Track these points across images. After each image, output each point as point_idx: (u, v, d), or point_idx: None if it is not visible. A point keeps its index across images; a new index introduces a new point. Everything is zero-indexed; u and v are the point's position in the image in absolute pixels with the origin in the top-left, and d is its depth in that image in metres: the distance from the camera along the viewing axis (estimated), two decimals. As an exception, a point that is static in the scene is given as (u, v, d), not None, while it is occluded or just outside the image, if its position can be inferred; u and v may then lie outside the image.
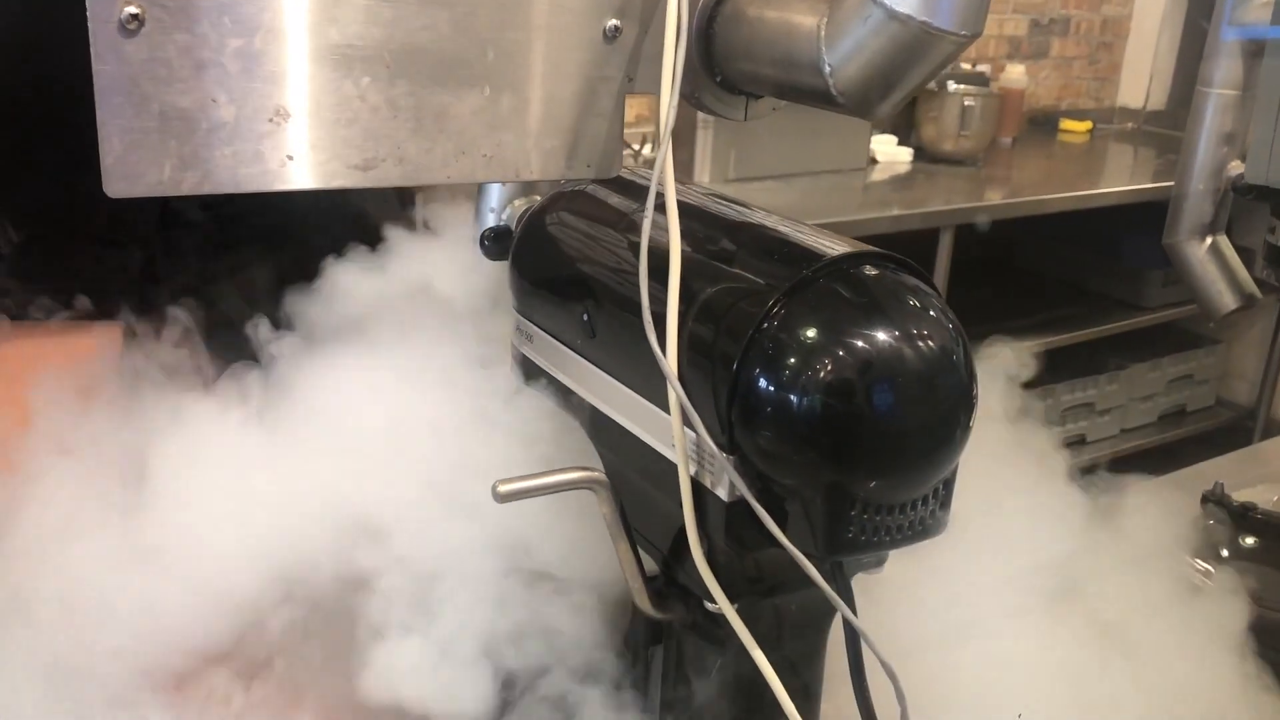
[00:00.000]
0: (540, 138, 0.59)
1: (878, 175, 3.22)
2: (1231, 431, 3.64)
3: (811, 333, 0.53)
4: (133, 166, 0.50)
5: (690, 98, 0.62)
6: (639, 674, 0.66)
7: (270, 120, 0.53)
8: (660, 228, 0.57)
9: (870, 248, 0.56)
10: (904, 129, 3.38)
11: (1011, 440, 1.01)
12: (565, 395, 0.69)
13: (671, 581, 0.64)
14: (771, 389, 0.53)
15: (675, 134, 0.55)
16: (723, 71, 0.61)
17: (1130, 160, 3.78)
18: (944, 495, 0.56)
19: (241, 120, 0.52)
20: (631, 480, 0.63)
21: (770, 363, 0.53)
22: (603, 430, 0.65)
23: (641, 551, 0.64)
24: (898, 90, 0.54)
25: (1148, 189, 3.24)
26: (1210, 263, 1.20)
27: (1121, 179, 3.48)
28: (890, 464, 0.53)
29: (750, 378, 0.54)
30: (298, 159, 0.54)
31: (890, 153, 3.21)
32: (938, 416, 0.54)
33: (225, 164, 0.52)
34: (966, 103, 3.26)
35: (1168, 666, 1.00)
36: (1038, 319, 3.21)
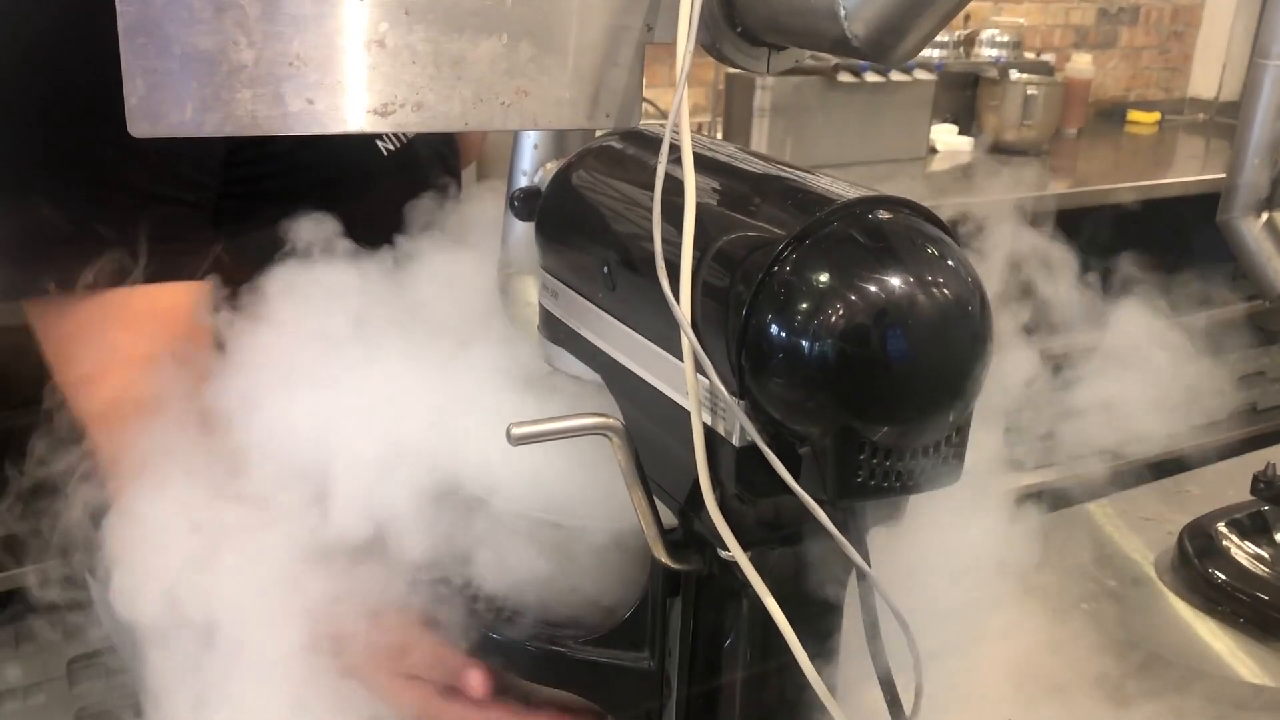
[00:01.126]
0: (558, 86, 0.59)
1: (938, 165, 3.19)
2: (1297, 432, 3.55)
3: (823, 277, 0.53)
4: (155, 106, 0.51)
5: (711, 49, 0.62)
6: (657, 625, 0.67)
7: (290, 64, 0.54)
8: (676, 177, 0.57)
9: (886, 193, 0.56)
10: (965, 118, 3.35)
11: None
12: (587, 349, 0.69)
13: (689, 532, 0.64)
14: (782, 334, 0.53)
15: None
16: (743, 22, 0.61)
17: (1200, 151, 3.70)
18: (957, 444, 0.55)
19: (262, 63, 0.53)
20: (649, 431, 0.64)
21: (781, 307, 0.53)
22: (621, 381, 0.66)
23: (659, 503, 0.65)
24: (914, 33, 0.54)
25: (1218, 179, 3.16)
26: (1266, 239, 1.17)
27: (1191, 170, 3.40)
28: (900, 409, 0.53)
29: (761, 323, 0.54)
30: (317, 102, 0.55)
31: (951, 142, 3.18)
32: (950, 363, 0.53)
33: (245, 106, 0.53)
34: (1029, 92, 3.21)
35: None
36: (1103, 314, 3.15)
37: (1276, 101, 1.14)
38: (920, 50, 0.56)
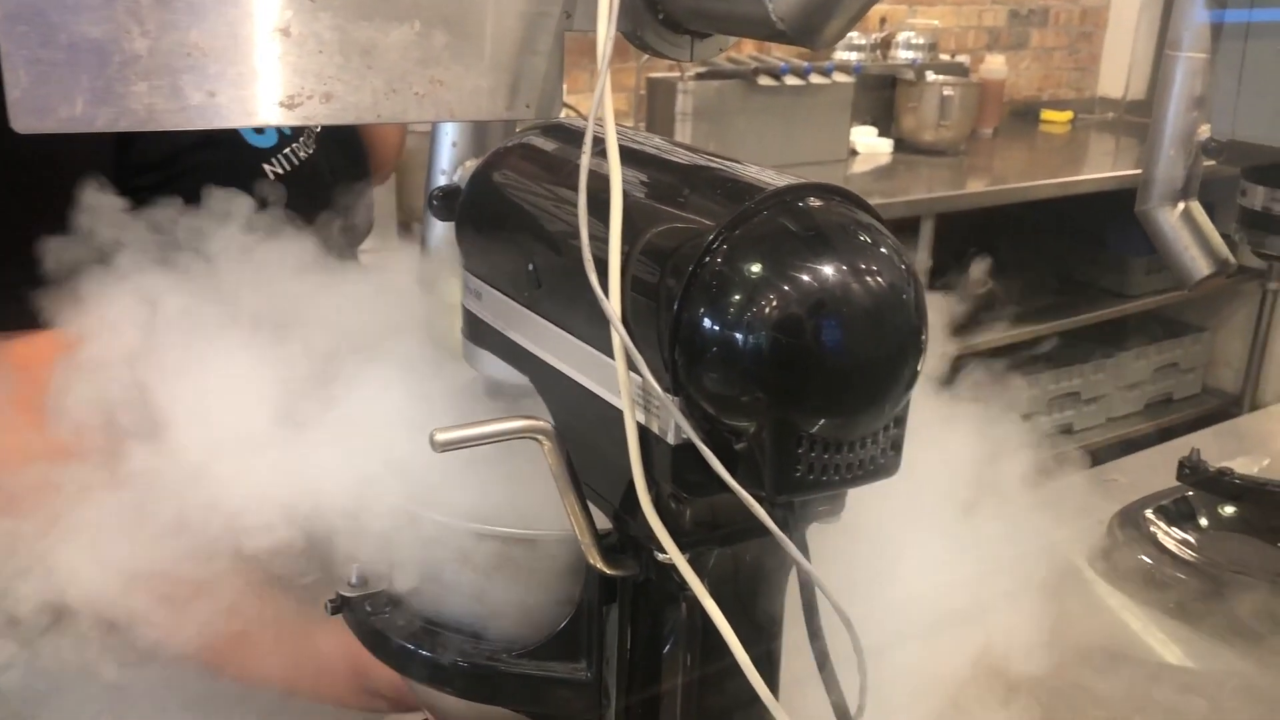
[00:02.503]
0: (475, 76, 0.57)
1: (859, 166, 3.22)
2: (1218, 418, 3.64)
3: (755, 267, 0.51)
4: (42, 100, 0.48)
5: (632, 37, 0.61)
6: (594, 634, 0.64)
7: (188, 55, 0.51)
8: (600, 170, 0.55)
9: (816, 180, 0.54)
10: (884, 121, 3.38)
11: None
12: (514, 351, 0.67)
13: (624, 536, 0.62)
14: (715, 327, 0.51)
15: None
16: (665, 8, 0.59)
17: (1112, 148, 3.79)
18: (895, 435, 0.54)
19: (158, 53, 0.50)
20: (580, 434, 0.61)
21: (713, 300, 0.51)
22: (550, 383, 0.63)
23: (595, 508, 0.62)
24: (839, 16, 0.53)
25: (1130, 175, 3.23)
26: (1183, 229, 1.19)
27: (1103, 167, 3.48)
28: (838, 400, 0.51)
29: (693, 316, 0.52)
30: (219, 95, 0.52)
31: (871, 144, 3.21)
32: (887, 352, 0.52)
33: (141, 99, 0.50)
34: (945, 93, 3.25)
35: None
36: (1023, 309, 3.20)
37: (1188, 93, 1.16)
38: (846, 34, 0.54)
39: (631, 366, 0.54)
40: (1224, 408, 3.72)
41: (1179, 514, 1.25)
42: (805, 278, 0.51)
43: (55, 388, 0.67)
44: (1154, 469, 1.43)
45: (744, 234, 0.52)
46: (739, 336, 0.51)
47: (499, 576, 0.66)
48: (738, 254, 0.52)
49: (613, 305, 0.54)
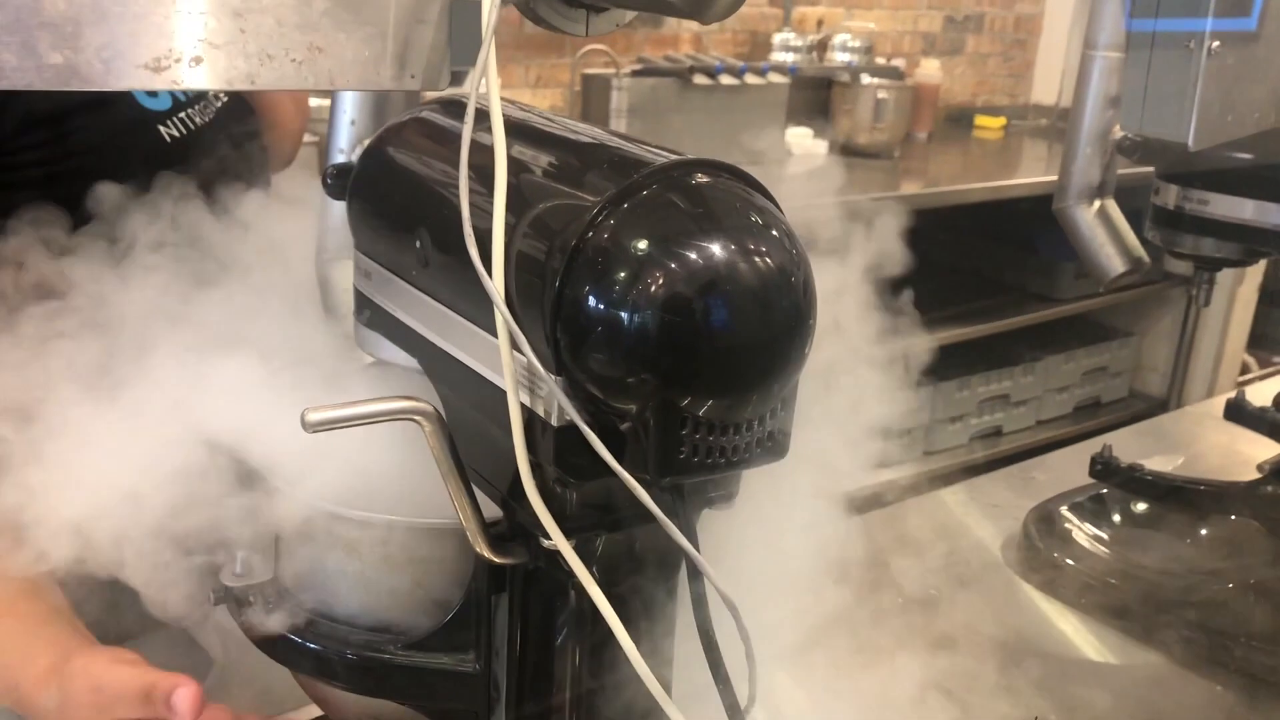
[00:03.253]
0: (357, 43, 0.55)
1: (794, 168, 3.22)
2: (1142, 422, 3.70)
3: (640, 244, 0.50)
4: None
5: (525, 9, 0.59)
6: (482, 624, 0.63)
7: (43, 9, 0.48)
8: (486, 144, 0.54)
9: (705, 157, 0.53)
10: (819, 122, 3.39)
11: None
12: (403, 333, 0.65)
13: (513, 523, 0.60)
14: (598, 305, 0.50)
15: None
16: (559, -20, 0.58)
17: (1044, 155, 3.83)
18: (782, 417, 0.53)
19: (10, 7, 0.47)
20: (468, 417, 0.60)
21: (596, 277, 0.50)
22: (439, 365, 0.61)
23: (482, 496, 0.61)
24: (730, -12, 0.51)
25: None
26: (1099, 227, 1.19)
27: (1036, 172, 3.52)
28: (723, 381, 0.50)
29: (576, 293, 0.50)
30: (79, 54, 0.49)
31: (806, 145, 3.22)
32: (774, 332, 0.50)
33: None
34: (880, 96, 3.27)
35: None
36: (953, 311, 3.23)
37: (1105, 92, 1.16)
38: (735, 9, 0.53)
39: (515, 346, 0.52)
40: (1150, 411, 3.77)
41: (1092, 511, 1.26)
42: (692, 255, 0.49)
43: None
44: (1076, 467, 1.44)
45: (629, 209, 0.51)
46: (623, 315, 0.49)
47: (384, 565, 0.64)
48: (623, 229, 0.50)
49: (495, 282, 0.52)
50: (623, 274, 0.49)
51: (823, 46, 3.41)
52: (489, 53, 0.52)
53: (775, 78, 3.08)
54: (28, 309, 0.66)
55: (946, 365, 3.29)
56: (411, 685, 0.65)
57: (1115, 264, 1.19)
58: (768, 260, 0.50)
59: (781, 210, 0.53)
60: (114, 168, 0.92)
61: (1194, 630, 1.10)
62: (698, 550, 0.54)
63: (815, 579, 0.85)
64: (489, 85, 0.53)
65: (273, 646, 0.67)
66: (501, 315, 0.52)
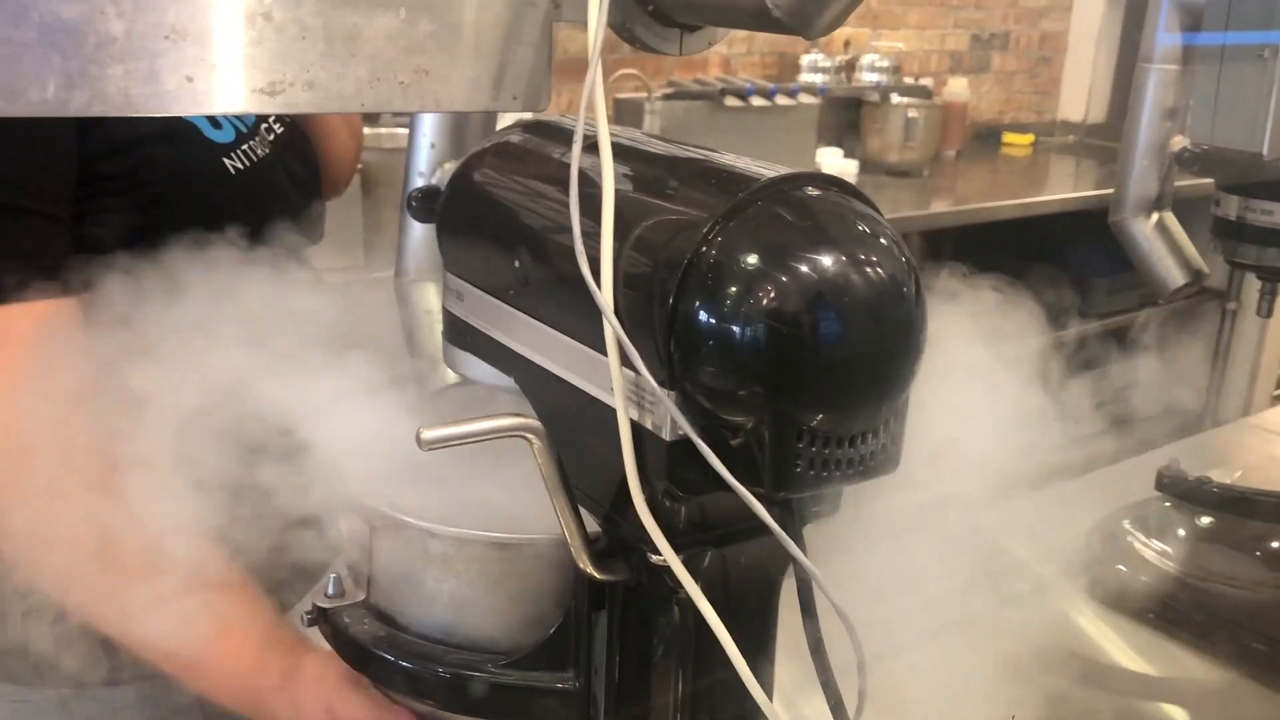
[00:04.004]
0: (462, 65, 0.55)
1: (825, 187, 3.21)
2: (1179, 436, 3.67)
3: (752, 258, 0.50)
4: (11, 82, 0.46)
5: (621, 29, 0.59)
6: (582, 642, 0.63)
7: (166, 38, 0.49)
8: (588, 164, 0.54)
9: (811, 171, 0.53)
10: (850, 142, 3.40)
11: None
12: (499, 352, 0.65)
13: (614, 539, 0.60)
14: (711, 319, 0.50)
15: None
16: (655, 1, 0.58)
17: (1072, 170, 3.83)
18: (895, 430, 0.53)
19: (134, 35, 0.48)
20: (568, 433, 0.60)
21: (709, 292, 0.50)
22: (537, 382, 0.62)
23: (583, 510, 0.61)
24: (834, 4, 0.52)
25: (1091, 196, 3.27)
26: (1157, 239, 1.19)
27: (1064, 188, 3.51)
28: (838, 393, 0.50)
29: (689, 309, 0.51)
30: (197, 80, 0.50)
31: (837, 165, 3.22)
32: (888, 343, 0.51)
33: (116, 83, 0.48)
34: (910, 115, 3.28)
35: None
36: (984, 328, 3.21)
37: (1160, 104, 1.16)
38: (842, 22, 0.53)
39: (626, 362, 0.53)
40: (1186, 425, 3.74)
41: (1156, 525, 1.25)
42: (803, 268, 0.50)
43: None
44: (1126, 482, 1.43)
45: (740, 224, 0.51)
46: (736, 329, 0.49)
47: (480, 583, 0.64)
48: (734, 245, 0.50)
49: (605, 296, 0.52)
50: (739, 288, 0.49)
51: (850, 67, 3.42)
52: (596, 74, 0.53)
53: (805, 98, 3.09)
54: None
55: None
56: (509, 703, 0.64)
57: (1175, 276, 1.19)
58: (879, 271, 0.50)
59: (886, 222, 0.54)
60: (188, 197, 0.94)
61: (1261, 643, 1.09)
62: (810, 563, 0.54)
63: (895, 593, 0.84)
64: (596, 106, 0.53)
65: (367, 667, 0.67)
66: (614, 331, 0.52)
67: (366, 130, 1.52)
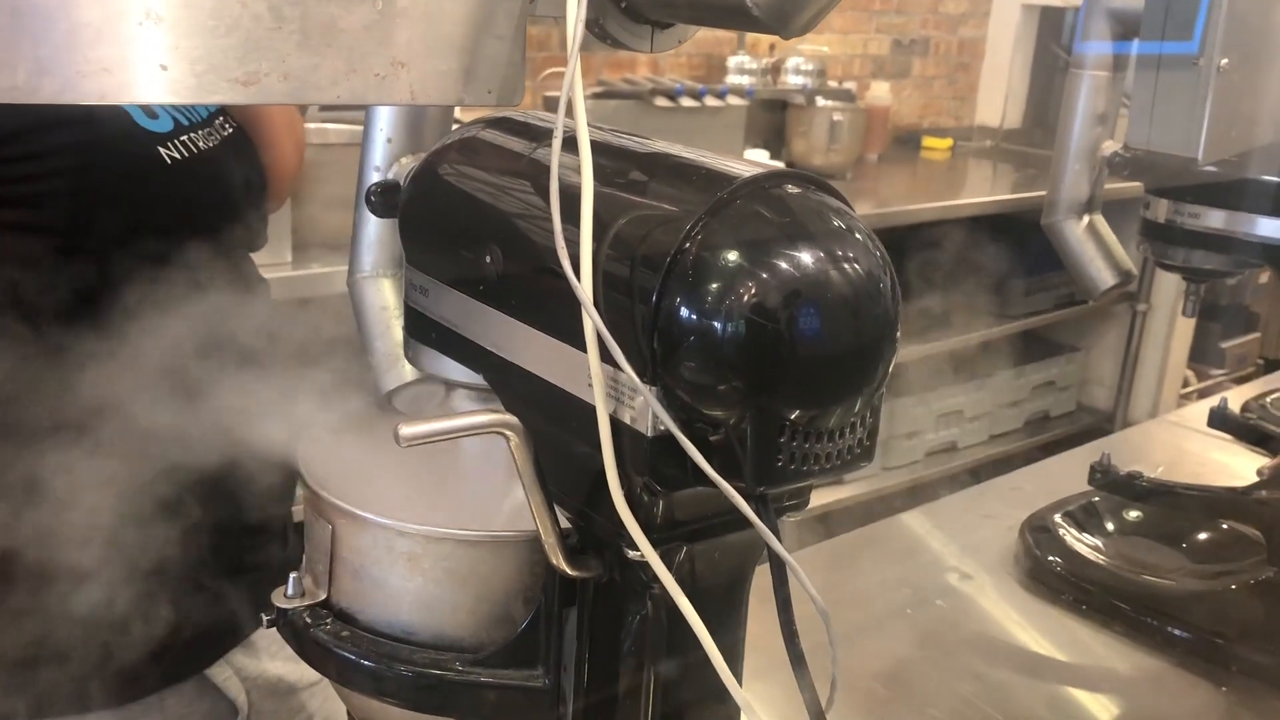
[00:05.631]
0: (437, 59, 0.55)
1: (751, 188, 3.24)
2: (1091, 435, 3.78)
3: (735, 255, 0.51)
4: (-19, 67, 0.45)
5: (593, 25, 0.59)
6: (551, 639, 0.62)
7: (139, 24, 0.48)
8: (565, 158, 0.54)
9: (791, 169, 0.54)
10: (775, 143, 3.44)
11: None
12: (466, 348, 0.65)
13: (587, 535, 0.60)
14: (694, 315, 0.50)
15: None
16: (629, -3, 0.59)
17: (990, 175, 3.91)
18: (872, 423, 0.54)
19: (107, 21, 0.47)
20: (542, 430, 0.60)
21: (693, 288, 0.50)
22: (508, 378, 0.61)
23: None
24: (813, 2, 0.53)
25: (1007, 200, 3.35)
26: (1088, 241, 1.23)
27: (982, 192, 3.59)
28: (819, 387, 0.51)
29: (672, 305, 0.51)
30: (171, 69, 0.49)
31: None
32: (867, 337, 0.51)
33: (89, 70, 0.47)
34: (835, 118, 3.32)
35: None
36: (909, 328, 3.27)
37: (1091, 109, 1.20)
38: (819, 22, 0.54)
39: (605, 357, 0.53)
40: (1097, 424, 3.86)
41: (1087, 518, 1.28)
42: (785, 265, 0.50)
43: None
44: (1055, 478, 1.47)
45: (722, 221, 0.51)
46: (720, 325, 0.50)
47: (446, 580, 0.64)
48: (717, 241, 0.51)
49: (585, 289, 0.52)
50: (723, 284, 0.50)
51: (776, 70, 3.46)
52: (575, 68, 0.53)
53: (734, 100, 3.12)
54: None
55: (902, 382, 3.35)
56: (477, 702, 0.64)
57: (1105, 277, 1.22)
58: (857, 266, 0.51)
59: (860, 219, 0.55)
60: (109, 187, 0.91)
61: (1193, 632, 1.13)
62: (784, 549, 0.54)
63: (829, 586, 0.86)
64: (575, 100, 0.53)
65: (330, 667, 0.66)
66: (594, 326, 0.52)
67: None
